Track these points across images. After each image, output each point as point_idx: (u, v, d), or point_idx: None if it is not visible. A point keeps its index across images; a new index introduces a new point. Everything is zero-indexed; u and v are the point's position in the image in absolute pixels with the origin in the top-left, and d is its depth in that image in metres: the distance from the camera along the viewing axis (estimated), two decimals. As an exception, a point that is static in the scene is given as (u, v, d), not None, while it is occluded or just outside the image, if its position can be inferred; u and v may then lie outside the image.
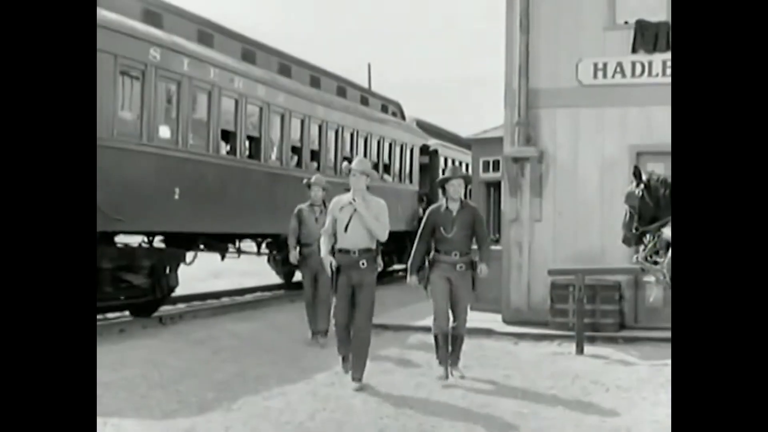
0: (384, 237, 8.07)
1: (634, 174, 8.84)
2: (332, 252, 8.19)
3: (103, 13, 11.23)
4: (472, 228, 8.53)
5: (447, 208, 8.57)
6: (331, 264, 8.11)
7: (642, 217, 8.63)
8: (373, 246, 8.16)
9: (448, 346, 8.53)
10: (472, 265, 8.49)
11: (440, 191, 9.10)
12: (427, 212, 8.73)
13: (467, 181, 8.86)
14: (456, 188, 8.53)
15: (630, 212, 8.71)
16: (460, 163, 26.61)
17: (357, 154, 18.66)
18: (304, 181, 11.45)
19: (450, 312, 8.51)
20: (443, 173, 9.15)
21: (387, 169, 21.58)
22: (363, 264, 8.03)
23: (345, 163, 8.34)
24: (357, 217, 8.02)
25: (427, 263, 8.56)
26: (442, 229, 8.48)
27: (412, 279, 8.71)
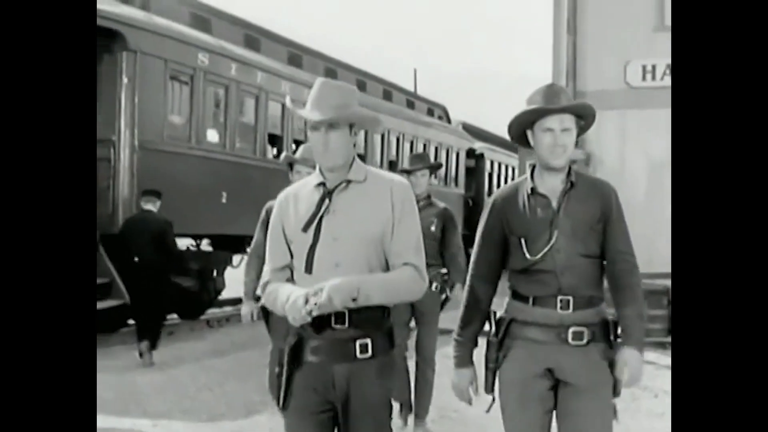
0: (423, 285, 3.10)
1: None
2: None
3: (153, 19, 11.39)
4: (600, 233, 3.59)
5: (534, 191, 3.47)
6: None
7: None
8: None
9: None
10: (605, 333, 3.54)
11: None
12: (491, 202, 3.55)
13: (588, 117, 3.59)
14: (556, 140, 3.41)
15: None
16: (506, 167, 26.50)
17: (403, 157, 18.62)
18: (282, 156, 6.84)
19: None
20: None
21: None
22: (364, 349, 3.06)
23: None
24: (337, 228, 3.09)
25: (492, 329, 3.51)
26: (522, 241, 3.42)
27: (462, 377, 3.49)
